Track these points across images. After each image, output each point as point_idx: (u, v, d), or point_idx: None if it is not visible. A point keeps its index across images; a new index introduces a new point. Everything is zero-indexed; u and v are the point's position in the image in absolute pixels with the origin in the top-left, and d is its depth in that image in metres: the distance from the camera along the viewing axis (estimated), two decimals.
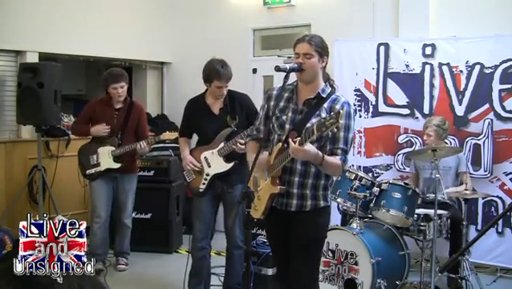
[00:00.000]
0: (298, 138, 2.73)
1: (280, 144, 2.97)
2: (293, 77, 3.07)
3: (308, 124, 2.90)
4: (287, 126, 3.01)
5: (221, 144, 4.09)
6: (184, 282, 4.27)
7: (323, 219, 3.10)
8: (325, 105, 2.97)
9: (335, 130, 2.75)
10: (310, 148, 2.73)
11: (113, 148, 4.92)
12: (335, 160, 2.89)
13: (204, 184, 4.14)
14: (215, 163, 4.12)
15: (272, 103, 3.09)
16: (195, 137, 4.35)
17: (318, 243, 3.13)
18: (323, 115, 2.91)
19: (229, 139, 4.07)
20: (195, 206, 4.27)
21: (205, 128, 4.16)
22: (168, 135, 4.77)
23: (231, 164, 4.08)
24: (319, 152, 2.80)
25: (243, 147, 3.94)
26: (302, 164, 2.96)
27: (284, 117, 3.03)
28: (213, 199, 4.20)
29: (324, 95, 2.99)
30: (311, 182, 2.99)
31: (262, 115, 3.20)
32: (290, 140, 2.74)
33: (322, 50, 2.97)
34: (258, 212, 3.08)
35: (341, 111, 2.64)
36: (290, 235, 3.07)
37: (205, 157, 4.15)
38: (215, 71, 3.98)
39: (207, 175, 4.14)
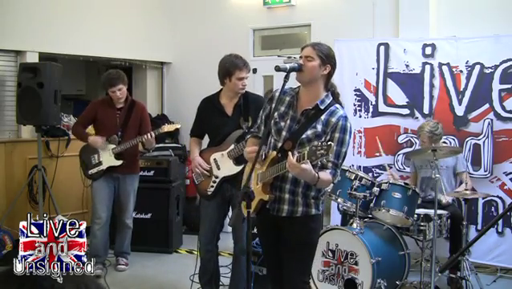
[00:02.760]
0: (297, 154, 2.72)
1: (274, 152, 2.97)
2: (294, 80, 3.07)
3: (303, 136, 2.91)
4: (284, 133, 3.00)
5: (232, 146, 3.98)
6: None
7: (313, 224, 3.08)
8: (322, 117, 2.93)
9: (330, 157, 2.69)
10: (307, 167, 2.70)
11: (113, 146, 4.94)
12: (327, 175, 2.87)
13: (212, 186, 4.02)
14: (224, 165, 4.01)
15: (273, 106, 3.03)
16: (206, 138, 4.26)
17: (309, 246, 3.11)
18: (319, 127, 2.91)
19: (239, 141, 3.96)
20: (202, 210, 4.15)
21: (217, 129, 4.04)
22: (168, 127, 4.78)
23: (241, 167, 3.93)
24: (316, 174, 2.78)
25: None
26: None
27: (282, 123, 3.02)
28: (222, 203, 4.09)
29: (322, 107, 2.95)
30: (302, 191, 2.99)
31: (262, 115, 3.19)
32: (290, 153, 2.73)
33: (325, 58, 2.94)
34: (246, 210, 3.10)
35: (332, 144, 2.61)
36: (281, 237, 3.08)
37: (214, 159, 4.04)
38: (234, 63, 3.91)
39: (216, 177, 4.02)
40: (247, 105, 4.03)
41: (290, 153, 2.74)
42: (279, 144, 2.99)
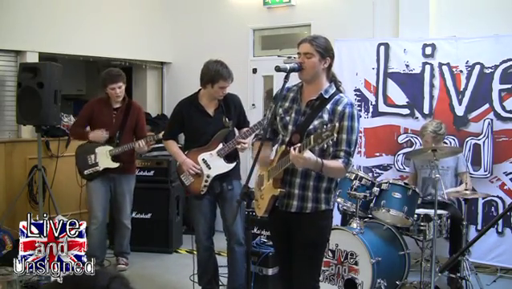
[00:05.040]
0: (299, 145, 2.73)
1: (284, 146, 2.97)
2: (298, 80, 3.07)
3: (310, 126, 2.90)
4: (290, 127, 3.00)
5: (220, 146, 4.10)
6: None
7: (324, 222, 3.06)
8: (327, 106, 2.94)
9: (335, 137, 2.67)
10: (309, 155, 2.73)
11: (111, 148, 4.92)
12: (337, 163, 2.87)
13: (205, 186, 4.12)
14: (215, 164, 4.11)
15: (278, 104, 3.07)
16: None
17: (320, 246, 3.11)
18: (325, 116, 2.91)
19: (227, 140, 4.10)
20: (195, 209, 4.23)
21: (201, 130, 4.13)
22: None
23: (233, 164, 4.11)
24: (318, 159, 2.79)
25: (246, 146, 4.03)
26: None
27: (287, 118, 3.02)
28: (213, 199, 4.21)
29: (327, 96, 2.96)
30: (313, 184, 2.97)
31: (269, 115, 3.17)
32: (292, 148, 2.74)
33: (324, 51, 2.95)
34: (260, 210, 3.11)
35: (337, 124, 2.61)
36: (291, 236, 3.07)
37: (203, 159, 4.13)
38: (219, 73, 4.01)
39: (208, 177, 4.12)
40: (228, 104, 4.16)
41: (291, 148, 2.75)
42: (287, 139, 2.99)
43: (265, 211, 3.07)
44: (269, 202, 3.02)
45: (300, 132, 2.93)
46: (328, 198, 3.02)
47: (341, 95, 3.00)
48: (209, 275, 4.26)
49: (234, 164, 4.12)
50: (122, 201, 5.11)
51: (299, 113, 3.00)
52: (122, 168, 4.97)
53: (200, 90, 4.19)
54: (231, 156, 4.13)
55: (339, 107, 2.92)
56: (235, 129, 4.27)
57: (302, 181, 2.97)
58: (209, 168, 4.12)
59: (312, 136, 2.66)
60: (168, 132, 4.34)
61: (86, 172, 5.02)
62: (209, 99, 4.14)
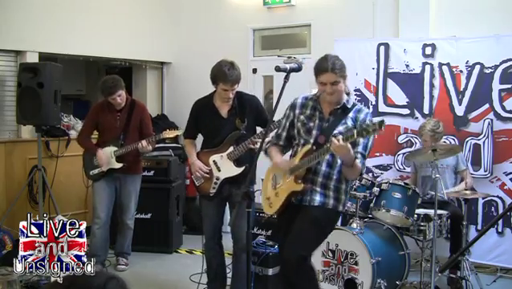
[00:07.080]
0: (340, 136, 2.87)
1: (308, 145, 3.16)
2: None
3: (335, 131, 3.12)
4: (314, 132, 3.21)
5: (231, 148, 3.99)
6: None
7: (335, 217, 3.35)
8: (350, 115, 3.20)
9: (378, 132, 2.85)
10: (350, 146, 2.89)
11: (115, 149, 4.93)
12: (359, 163, 3.07)
13: (214, 188, 4.06)
14: (225, 167, 4.03)
15: (297, 112, 3.30)
16: (200, 138, 4.26)
17: (322, 226, 3.26)
18: (349, 123, 3.17)
19: (238, 142, 3.97)
20: (203, 209, 4.20)
21: (213, 131, 4.05)
22: (168, 133, 4.77)
23: (242, 168, 3.99)
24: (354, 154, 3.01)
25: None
26: (327, 166, 3.19)
27: (311, 124, 3.24)
28: (221, 202, 4.14)
29: (349, 106, 3.23)
30: (334, 185, 3.21)
31: (286, 122, 3.36)
32: (333, 138, 2.87)
33: (344, 73, 3.19)
34: (272, 209, 3.23)
35: (384, 120, 2.78)
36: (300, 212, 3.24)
37: (213, 161, 4.06)
38: (221, 74, 3.86)
39: (217, 179, 4.05)
40: (242, 106, 4.04)
41: (333, 138, 2.89)
42: (312, 140, 3.21)
43: (278, 209, 3.24)
44: (286, 199, 3.19)
45: (326, 134, 3.14)
46: (345, 202, 3.30)
47: (361, 105, 3.34)
48: (213, 272, 4.23)
49: (243, 168, 3.98)
50: (127, 201, 5.12)
51: (323, 120, 3.24)
52: (127, 168, 4.98)
53: (215, 90, 4.06)
54: (242, 160, 4.00)
55: (362, 115, 3.21)
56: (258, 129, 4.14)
57: (323, 180, 3.19)
58: (219, 171, 4.05)
59: (356, 130, 2.80)
60: (185, 131, 4.29)
61: (91, 172, 5.03)
62: (221, 100, 4.03)
